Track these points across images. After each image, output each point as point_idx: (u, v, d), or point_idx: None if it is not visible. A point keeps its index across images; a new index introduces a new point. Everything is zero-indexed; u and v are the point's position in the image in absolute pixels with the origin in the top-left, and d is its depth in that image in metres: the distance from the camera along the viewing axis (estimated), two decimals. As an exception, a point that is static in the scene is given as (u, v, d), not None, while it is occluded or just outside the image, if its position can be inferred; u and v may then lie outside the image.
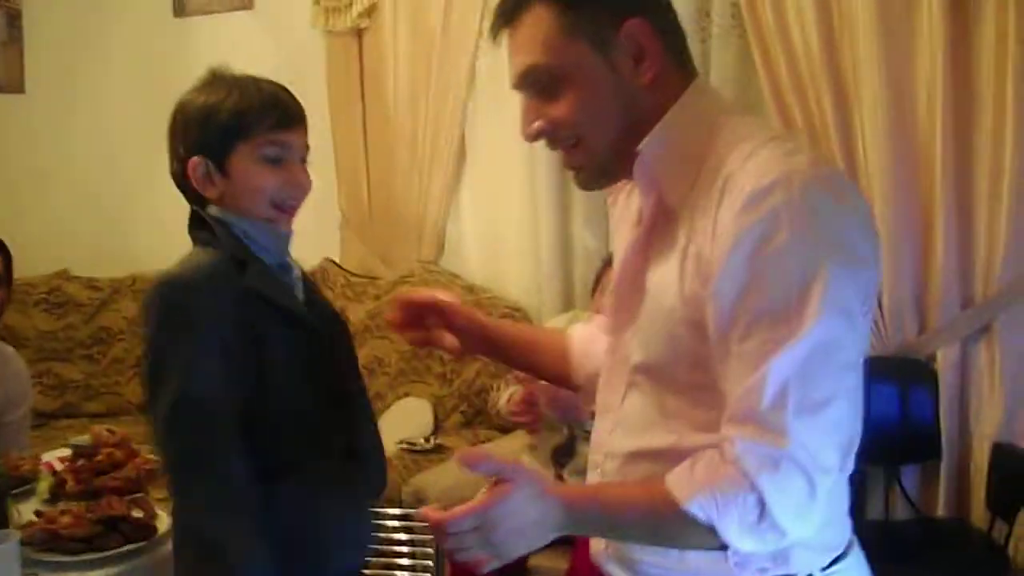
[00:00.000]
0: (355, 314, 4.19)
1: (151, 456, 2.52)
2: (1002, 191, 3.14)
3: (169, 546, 2.15)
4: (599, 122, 1.31)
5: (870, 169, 3.26)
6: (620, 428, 1.40)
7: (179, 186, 1.77)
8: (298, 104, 1.76)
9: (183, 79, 1.80)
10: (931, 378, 3.30)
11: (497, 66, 3.97)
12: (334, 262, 4.47)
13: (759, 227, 1.17)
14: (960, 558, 3.15)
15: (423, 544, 2.49)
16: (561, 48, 1.28)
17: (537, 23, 1.29)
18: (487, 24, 1.41)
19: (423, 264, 4.28)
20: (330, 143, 4.34)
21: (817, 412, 1.18)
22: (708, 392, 1.26)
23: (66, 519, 2.15)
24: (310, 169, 1.78)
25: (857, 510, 3.25)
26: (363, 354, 3.89)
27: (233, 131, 1.69)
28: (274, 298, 1.71)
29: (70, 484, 2.39)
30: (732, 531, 1.20)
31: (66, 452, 2.72)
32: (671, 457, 1.26)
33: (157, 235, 3.23)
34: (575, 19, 1.28)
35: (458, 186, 4.25)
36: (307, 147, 1.77)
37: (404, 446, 3.66)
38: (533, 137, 1.36)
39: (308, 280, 1.87)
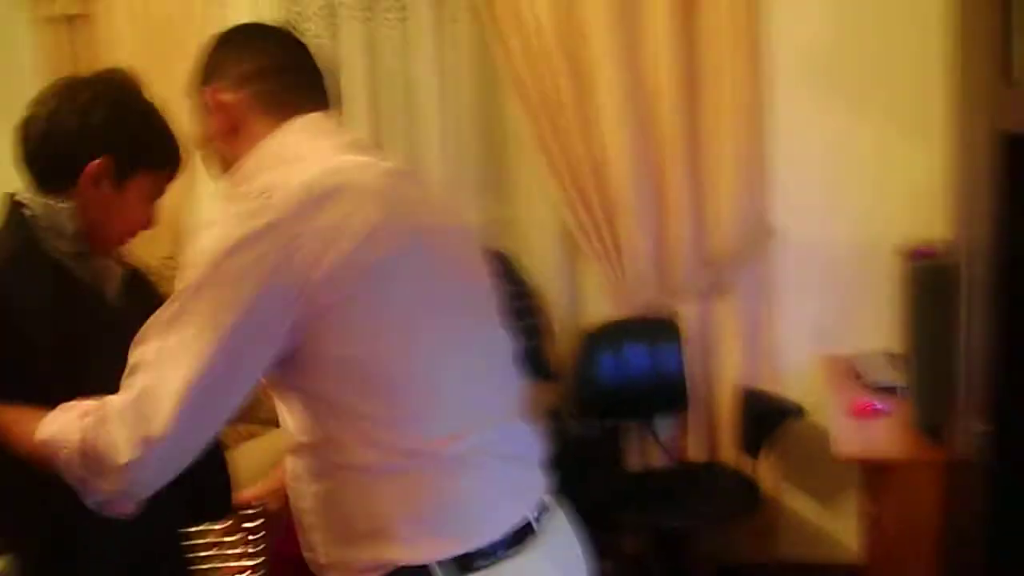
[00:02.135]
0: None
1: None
2: (726, 158, 3.42)
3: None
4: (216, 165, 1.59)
5: (606, 140, 3.44)
6: None
7: None
8: None
9: None
10: (676, 333, 3.54)
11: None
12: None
13: None
14: (716, 494, 3.43)
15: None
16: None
17: None
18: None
19: (161, 260, 4.10)
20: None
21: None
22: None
23: None
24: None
25: (614, 463, 3.50)
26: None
27: None
28: None
29: None
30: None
31: None
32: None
33: None
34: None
35: (195, 180, 4.08)
36: None
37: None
38: None
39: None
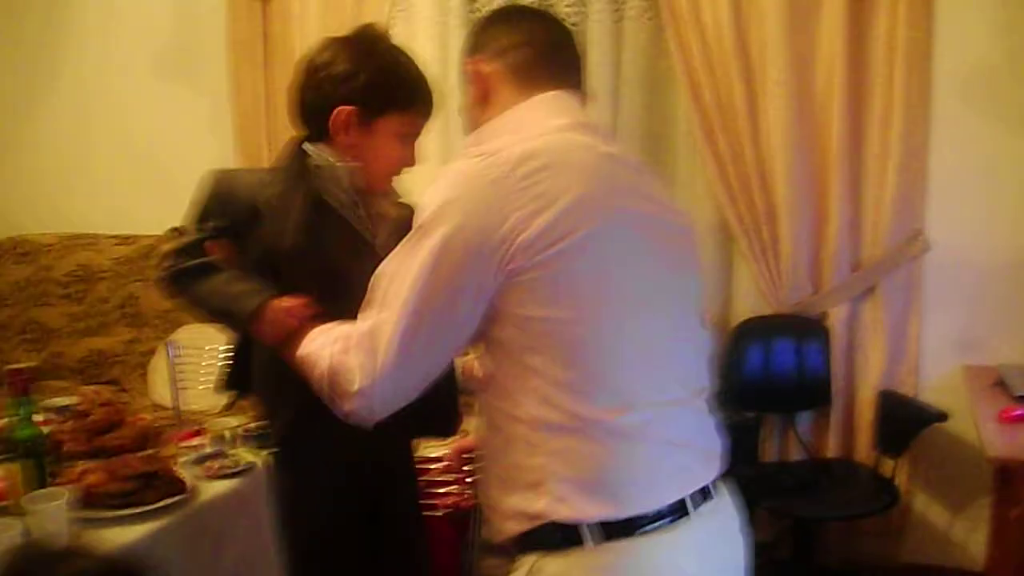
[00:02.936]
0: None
1: (145, 416, 2.56)
2: (888, 168, 3.53)
3: (203, 497, 2.24)
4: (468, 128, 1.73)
5: (773, 144, 3.58)
6: None
7: None
8: None
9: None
10: (823, 334, 3.67)
11: (410, 30, 4.07)
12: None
13: None
14: (849, 490, 3.57)
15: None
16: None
17: None
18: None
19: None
20: (228, 109, 4.30)
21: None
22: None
23: (93, 477, 2.17)
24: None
25: (752, 453, 3.63)
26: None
27: None
28: None
29: (69, 445, 2.40)
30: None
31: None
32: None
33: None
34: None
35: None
36: None
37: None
38: None
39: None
